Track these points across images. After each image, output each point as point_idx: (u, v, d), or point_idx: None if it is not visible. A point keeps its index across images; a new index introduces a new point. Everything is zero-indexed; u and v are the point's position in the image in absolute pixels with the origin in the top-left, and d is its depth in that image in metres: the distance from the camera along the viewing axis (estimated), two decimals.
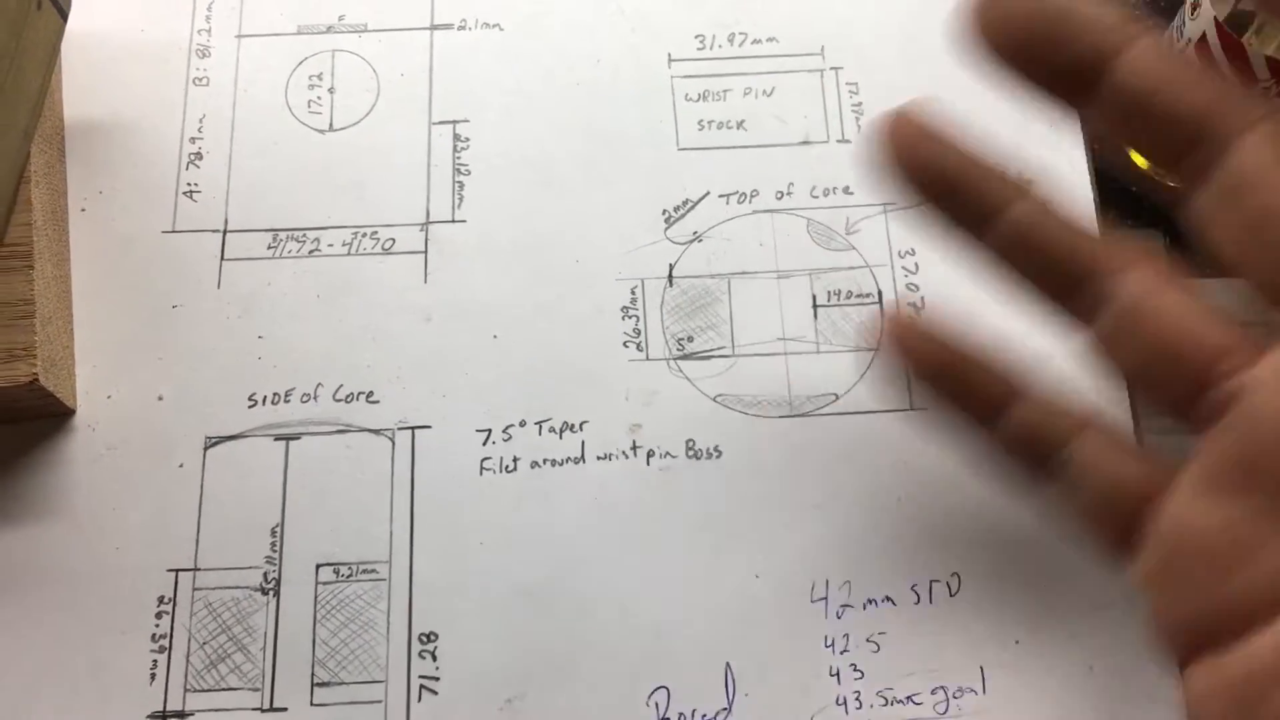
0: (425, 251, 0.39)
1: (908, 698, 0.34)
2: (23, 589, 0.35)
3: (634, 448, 0.37)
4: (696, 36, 0.41)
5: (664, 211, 0.39)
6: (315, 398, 0.37)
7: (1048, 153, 0.40)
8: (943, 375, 0.24)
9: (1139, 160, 0.51)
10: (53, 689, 0.34)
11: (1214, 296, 0.38)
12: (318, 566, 0.36)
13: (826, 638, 0.35)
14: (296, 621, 0.35)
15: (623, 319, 0.38)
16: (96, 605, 0.35)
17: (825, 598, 0.35)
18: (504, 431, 0.37)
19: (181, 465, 0.37)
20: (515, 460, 0.37)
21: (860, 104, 0.40)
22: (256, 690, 0.35)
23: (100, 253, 0.39)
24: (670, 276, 0.38)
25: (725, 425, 0.37)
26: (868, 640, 0.35)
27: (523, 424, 0.37)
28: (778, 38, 0.41)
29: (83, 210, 0.39)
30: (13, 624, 0.35)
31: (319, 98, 0.40)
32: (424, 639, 0.35)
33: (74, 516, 0.36)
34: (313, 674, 0.35)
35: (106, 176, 0.39)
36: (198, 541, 0.36)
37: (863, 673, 0.35)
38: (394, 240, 0.39)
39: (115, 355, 0.38)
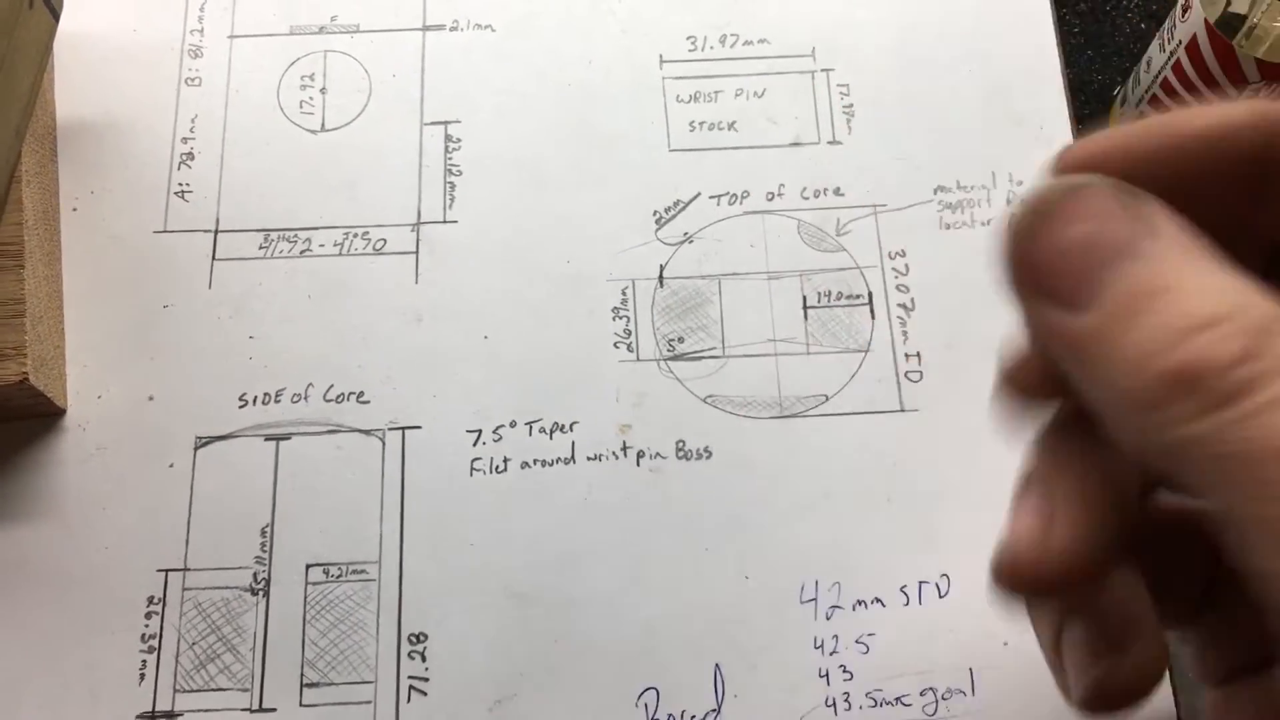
0: (416, 252, 0.39)
1: (897, 699, 0.34)
2: (12, 589, 0.35)
3: (624, 448, 0.37)
4: (688, 38, 0.41)
5: (655, 212, 0.39)
6: (306, 398, 0.37)
7: (1039, 161, 0.40)
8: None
9: None
10: (42, 689, 0.34)
11: None
12: (308, 567, 0.36)
13: (816, 639, 0.35)
14: (286, 622, 0.35)
15: (613, 319, 0.38)
16: (86, 605, 0.35)
17: (815, 599, 0.35)
18: (494, 432, 0.37)
19: (172, 465, 0.37)
20: (505, 461, 0.37)
21: (851, 105, 0.40)
22: (246, 691, 0.35)
23: (92, 253, 0.39)
24: (661, 277, 0.38)
25: (715, 426, 0.37)
26: (857, 641, 0.35)
27: (513, 424, 0.37)
28: (769, 39, 0.41)
29: (74, 210, 0.39)
30: (2, 623, 0.35)
31: (311, 98, 0.40)
32: (413, 639, 0.35)
33: (64, 516, 0.36)
34: (302, 674, 0.35)
35: (98, 176, 0.39)
36: (188, 542, 0.36)
37: (852, 674, 0.35)
38: (385, 240, 0.39)
39: (106, 355, 0.38)
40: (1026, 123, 0.40)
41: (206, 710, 0.34)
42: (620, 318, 0.38)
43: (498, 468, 0.37)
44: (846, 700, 0.34)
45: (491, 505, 0.36)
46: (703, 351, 0.38)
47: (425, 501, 0.36)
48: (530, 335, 0.38)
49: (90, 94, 0.40)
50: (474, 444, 0.37)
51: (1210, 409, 0.15)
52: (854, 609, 0.35)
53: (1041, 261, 0.17)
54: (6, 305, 0.35)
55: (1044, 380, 0.20)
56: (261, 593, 0.36)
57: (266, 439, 0.37)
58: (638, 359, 0.38)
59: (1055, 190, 0.17)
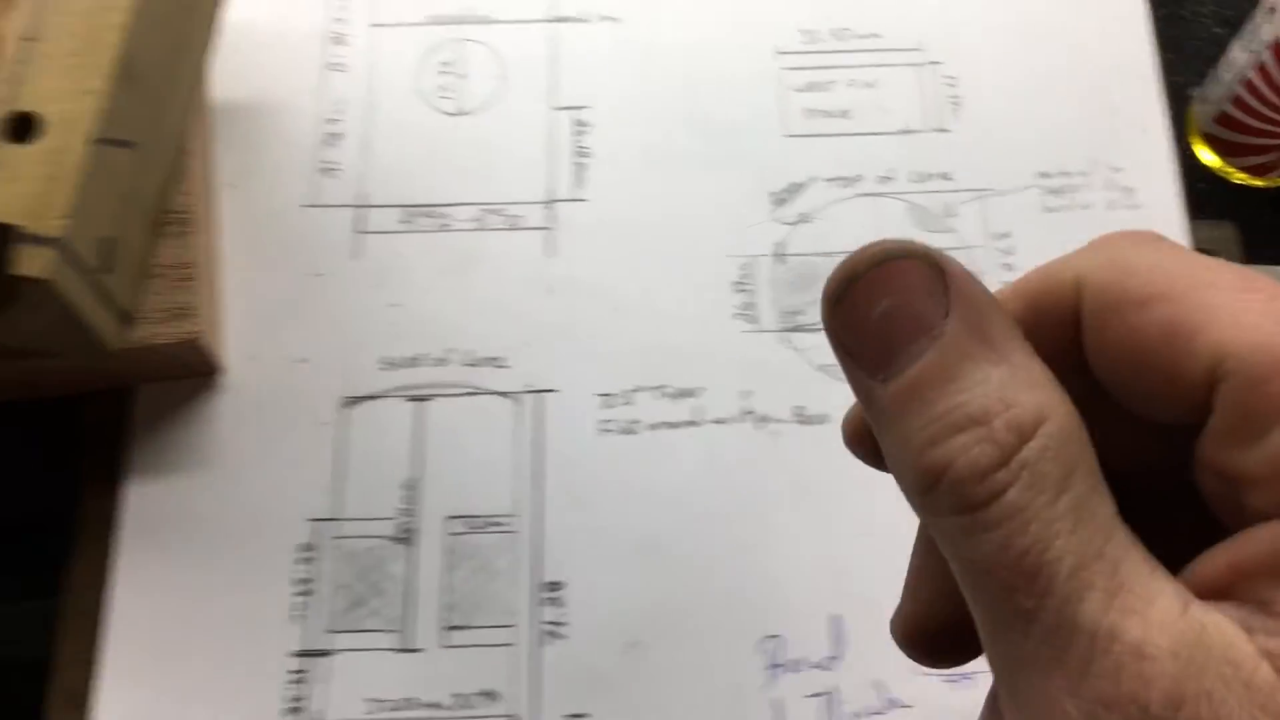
0: (548, 228, 0.41)
1: None
2: (176, 537, 0.38)
3: (745, 413, 0.39)
4: (803, 31, 0.44)
5: (772, 194, 0.42)
6: (446, 362, 0.40)
7: (1134, 149, 0.42)
8: None
9: (1208, 160, 0.54)
10: (205, 627, 0.37)
11: None
12: (449, 519, 0.38)
13: None
14: (429, 569, 0.38)
15: (735, 293, 0.40)
16: (244, 551, 0.38)
17: None
18: (623, 396, 0.39)
19: (321, 423, 0.39)
20: (634, 423, 0.39)
21: (958, 96, 0.43)
22: (393, 632, 0.37)
23: (246, 225, 0.41)
24: (779, 255, 0.41)
25: (832, 394, 0.39)
26: None
27: (641, 390, 0.39)
28: (879, 33, 0.43)
29: (230, 185, 0.42)
30: (166, 570, 0.37)
31: (448, 84, 0.43)
32: (550, 587, 0.37)
33: (222, 469, 0.39)
34: (445, 618, 0.37)
35: (251, 154, 0.42)
36: (337, 494, 0.38)
37: None
38: (519, 217, 0.41)
39: (260, 320, 0.40)
40: (1123, 113, 0.42)
41: (357, 650, 0.37)
42: (741, 291, 0.40)
43: (627, 429, 0.39)
44: None
45: (622, 464, 0.38)
46: (820, 324, 0.40)
47: (560, 459, 0.39)
48: (657, 307, 0.40)
49: (242, 78, 0.43)
50: (605, 407, 0.39)
51: (956, 512, 0.16)
52: None
53: (848, 327, 0.18)
54: (180, 269, 0.38)
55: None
56: (406, 542, 0.38)
57: (409, 399, 0.39)
58: (758, 330, 0.40)
59: (866, 258, 0.18)
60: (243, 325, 0.40)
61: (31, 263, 0.31)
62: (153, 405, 0.39)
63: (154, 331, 0.37)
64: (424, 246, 0.41)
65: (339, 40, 0.44)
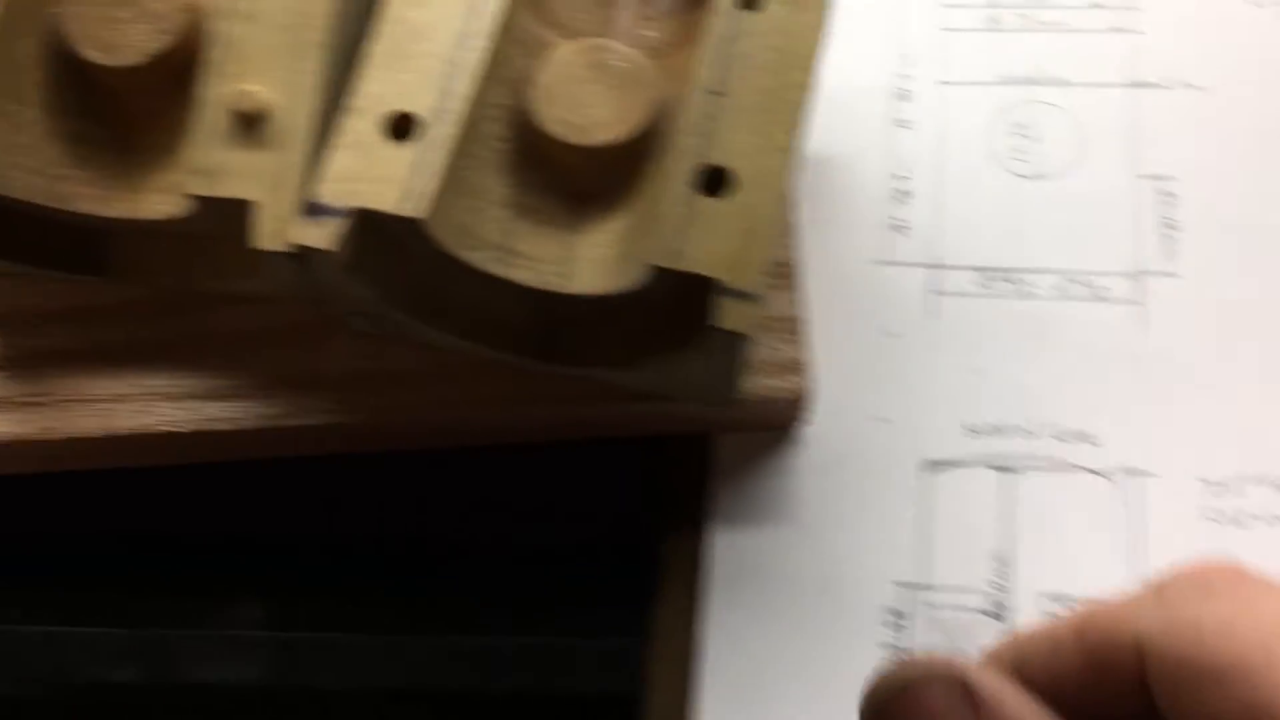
0: (1136, 302, 0.40)
1: None
2: (757, 586, 0.38)
3: None
4: None
5: None
6: (1032, 434, 0.39)
7: None
8: None
9: None
10: (792, 681, 0.37)
11: None
12: (1047, 598, 0.37)
13: None
14: None
15: None
16: (828, 609, 0.37)
17: None
18: (1224, 485, 0.37)
19: (902, 485, 0.39)
20: (1243, 514, 0.37)
21: None
22: None
23: (818, 279, 0.41)
24: None
25: None
26: None
27: (1245, 478, 0.37)
28: None
29: (800, 238, 0.42)
30: (753, 620, 0.37)
31: (1021, 146, 0.42)
32: None
33: (804, 523, 0.38)
34: None
35: (821, 208, 0.42)
36: (920, 559, 0.38)
37: None
38: (1104, 288, 0.40)
39: (837, 376, 0.40)
40: None
41: None
42: None
43: (1236, 521, 0.37)
44: None
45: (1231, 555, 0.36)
46: None
47: (1162, 546, 0.37)
48: (1257, 390, 0.38)
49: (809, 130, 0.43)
50: (1209, 495, 0.37)
51: None
52: None
53: None
54: (786, 322, 0.38)
55: None
56: (999, 617, 0.37)
57: (995, 469, 0.38)
58: None
59: (886, 686, 0.17)
60: (821, 380, 0.40)
61: (733, 316, 0.31)
62: (735, 453, 0.39)
63: (765, 384, 0.37)
64: (1002, 312, 0.40)
65: (905, 97, 0.43)
